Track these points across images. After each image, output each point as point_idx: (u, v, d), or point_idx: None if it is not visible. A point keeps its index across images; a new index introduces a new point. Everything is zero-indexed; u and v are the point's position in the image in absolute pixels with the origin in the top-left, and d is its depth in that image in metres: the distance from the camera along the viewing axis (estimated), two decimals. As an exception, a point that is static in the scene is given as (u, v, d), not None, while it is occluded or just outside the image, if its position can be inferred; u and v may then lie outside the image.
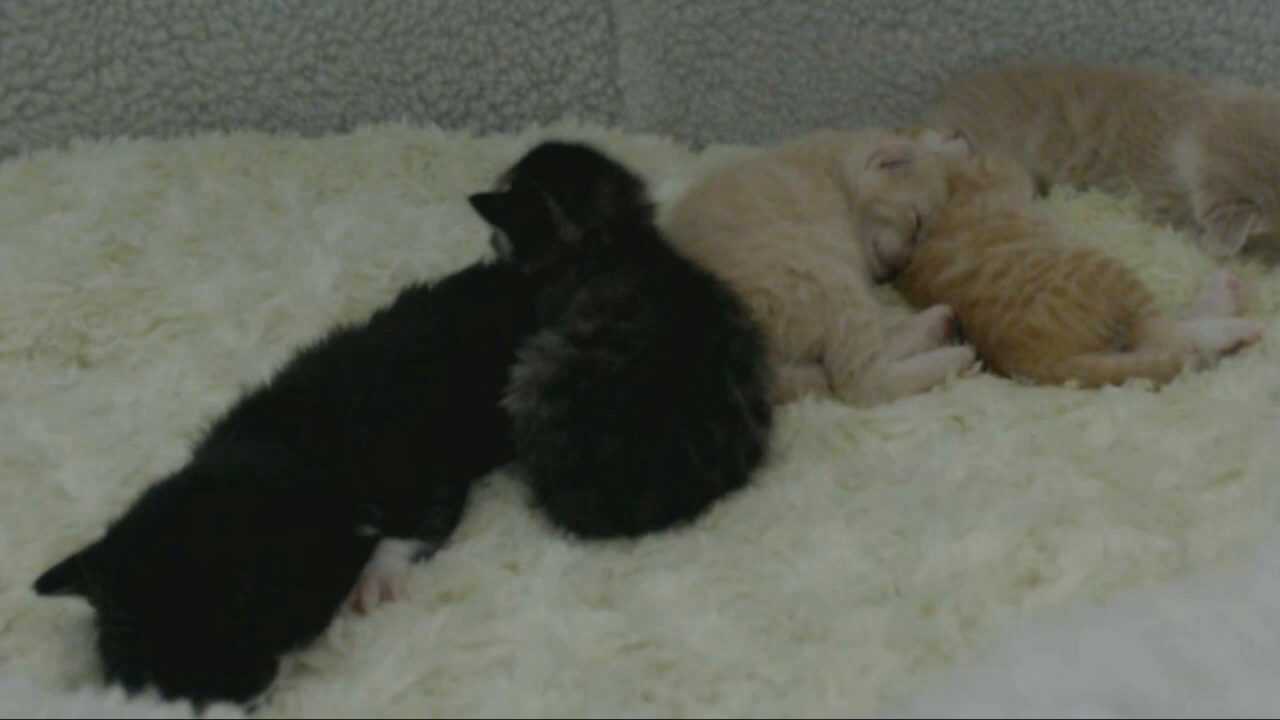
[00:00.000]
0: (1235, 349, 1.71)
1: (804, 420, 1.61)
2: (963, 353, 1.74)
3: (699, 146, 2.42)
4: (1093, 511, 1.38)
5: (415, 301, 1.66)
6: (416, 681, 1.21)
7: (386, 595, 1.33)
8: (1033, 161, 2.11)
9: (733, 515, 1.45)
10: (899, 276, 1.93)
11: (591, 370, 1.45)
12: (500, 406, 1.48)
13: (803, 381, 1.67)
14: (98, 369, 1.77)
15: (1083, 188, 2.11)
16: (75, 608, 1.26)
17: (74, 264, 1.87)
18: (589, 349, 1.47)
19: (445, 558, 1.40)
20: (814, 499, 1.46)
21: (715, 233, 1.75)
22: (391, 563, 1.35)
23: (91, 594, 1.21)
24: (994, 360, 1.74)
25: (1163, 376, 1.66)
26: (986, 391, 1.68)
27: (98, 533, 1.26)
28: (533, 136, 2.32)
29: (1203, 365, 1.68)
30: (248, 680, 1.18)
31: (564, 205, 1.62)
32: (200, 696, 1.05)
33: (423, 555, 1.39)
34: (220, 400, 1.48)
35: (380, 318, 1.63)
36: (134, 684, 1.08)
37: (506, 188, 1.68)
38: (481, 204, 1.65)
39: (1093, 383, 1.66)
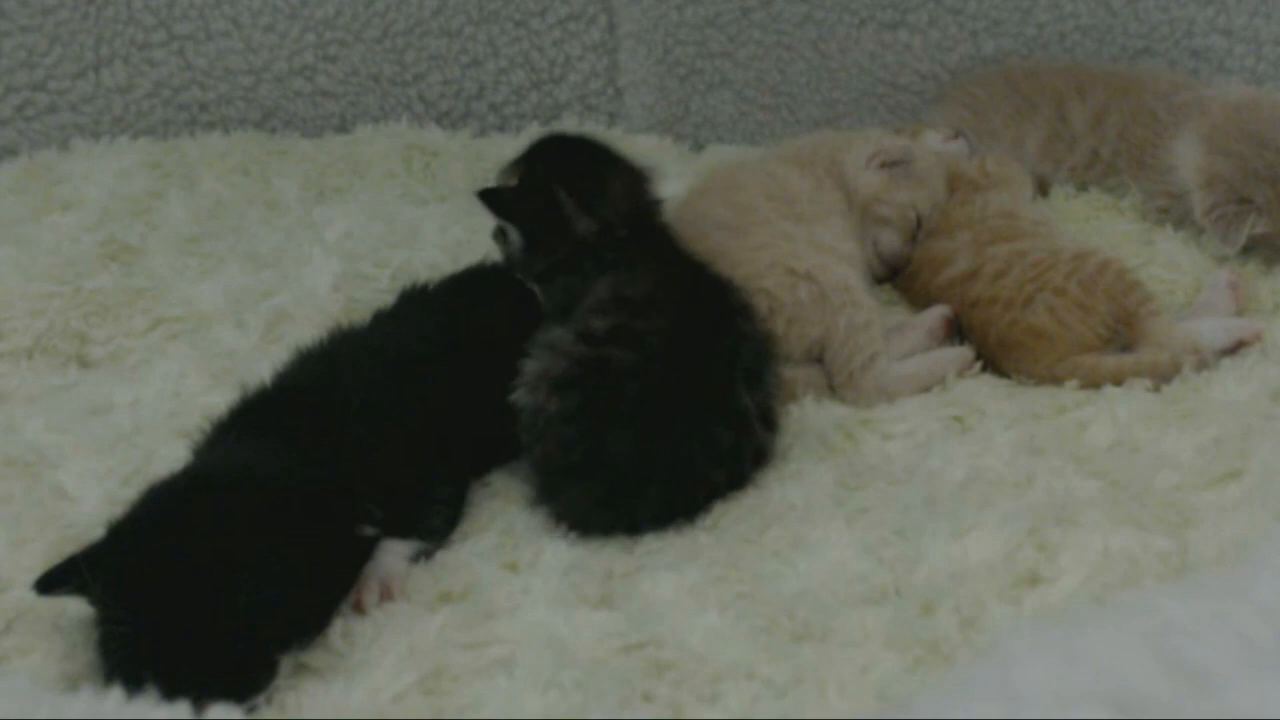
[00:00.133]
0: (1235, 349, 1.71)
1: (804, 420, 1.61)
2: (963, 353, 1.74)
3: (699, 146, 2.42)
4: (1093, 511, 1.38)
5: (415, 301, 1.66)
6: (416, 681, 1.21)
7: (386, 595, 1.32)
8: (1033, 161, 2.11)
9: (733, 515, 1.45)
10: (899, 276, 1.93)
11: (604, 367, 1.45)
12: (508, 401, 1.48)
13: (803, 381, 1.67)
14: (98, 369, 1.77)
15: (1083, 188, 2.11)
16: (75, 608, 1.26)
17: (74, 264, 1.87)
18: (602, 346, 1.47)
19: (445, 558, 1.40)
20: (814, 499, 1.46)
21: (715, 233, 1.75)
22: (391, 563, 1.35)
23: (91, 594, 1.21)
24: (994, 360, 1.74)
25: (1163, 376, 1.66)
26: (986, 391, 1.68)
27: (98, 533, 1.26)
28: (533, 136, 2.32)
29: (1203, 365, 1.68)
30: (248, 680, 1.17)
31: (576, 198, 1.61)
32: (200, 696, 1.05)
33: (423, 555, 1.39)
34: (220, 400, 1.48)
35: (380, 318, 1.63)
36: (134, 684, 1.08)
37: (513, 181, 1.66)
38: (491, 199, 1.64)
39: (1093, 383, 1.66)
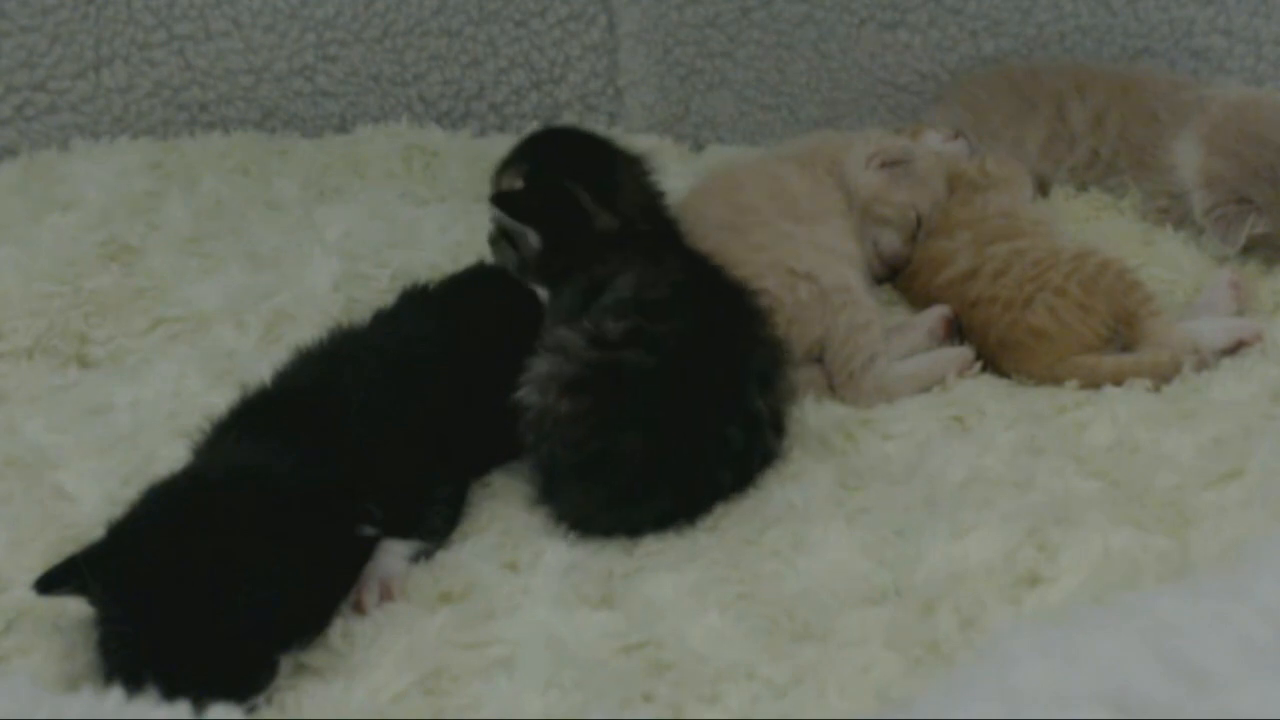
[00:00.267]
0: (1235, 349, 1.71)
1: (804, 420, 1.61)
2: (963, 353, 1.74)
3: (699, 146, 2.41)
4: (1093, 511, 1.38)
5: (415, 301, 1.66)
6: (416, 681, 1.21)
7: (386, 595, 1.32)
8: (1033, 161, 2.11)
9: (733, 516, 1.45)
10: (899, 276, 1.93)
11: (618, 369, 1.45)
12: (508, 401, 1.47)
13: (803, 381, 1.67)
14: (98, 369, 1.76)
15: (1083, 188, 2.11)
16: (75, 608, 1.26)
17: (74, 264, 1.86)
18: (617, 349, 1.46)
19: (445, 558, 1.40)
20: (814, 499, 1.46)
21: (715, 233, 1.75)
22: (391, 563, 1.35)
23: (91, 594, 1.21)
24: (994, 360, 1.74)
25: (1163, 376, 1.66)
26: (986, 391, 1.68)
27: (98, 533, 1.26)
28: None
29: (1203, 365, 1.68)
30: (248, 680, 1.18)
31: (593, 193, 1.59)
32: (200, 696, 1.04)
33: (423, 555, 1.39)
34: (220, 400, 1.48)
35: (380, 318, 1.63)
36: (134, 684, 1.08)
37: (518, 183, 1.63)
38: (508, 204, 1.61)
39: (1093, 383, 1.66)
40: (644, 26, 2.37)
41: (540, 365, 1.48)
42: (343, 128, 2.38)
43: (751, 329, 1.54)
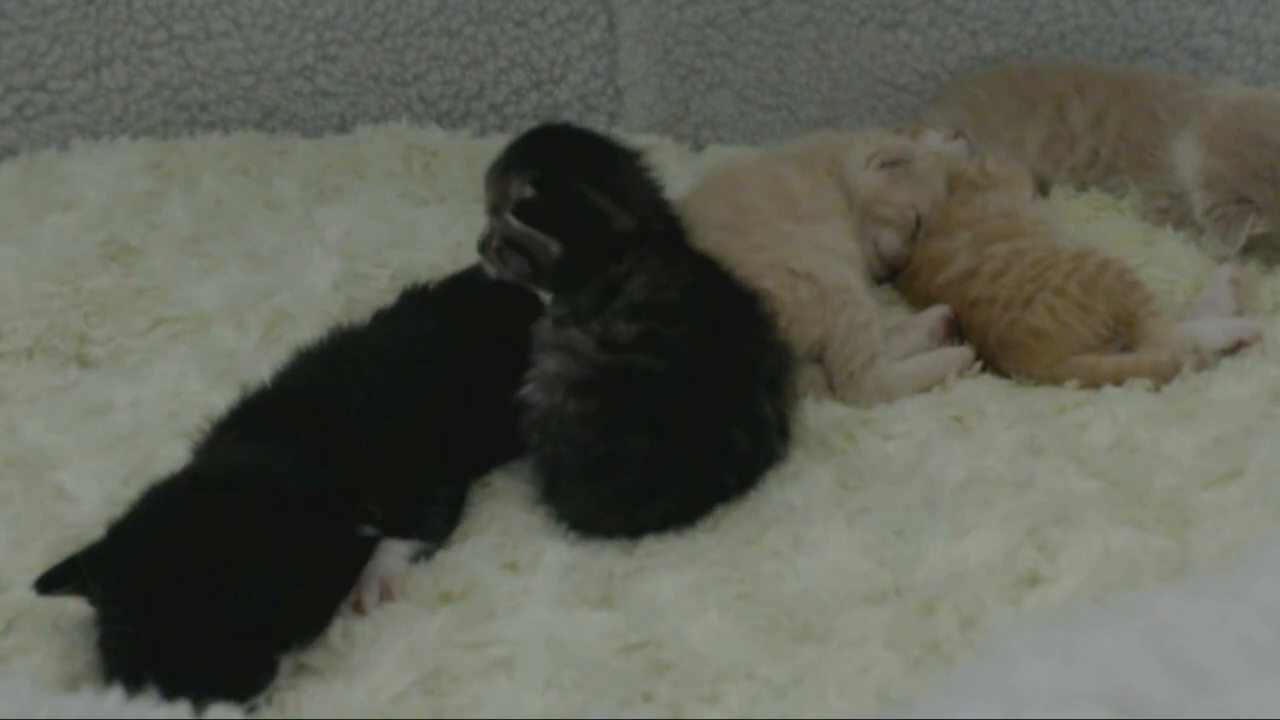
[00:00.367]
0: (1235, 349, 1.71)
1: (804, 420, 1.61)
2: (963, 353, 1.74)
3: (699, 146, 2.41)
4: (1093, 511, 1.38)
5: (415, 301, 1.66)
6: (416, 681, 1.21)
7: (386, 595, 1.32)
8: (1033, 161, 2.11)
9: (733, 516, 1.45)
10: (899, 276, 1.93)
11: (627, 372, 1.44)
12: (509, 401, 1.46)
13: (803, 381, 1.67)
14: (98, 369, 1.76)
15: (1083, 188, 2.11)
16: (75, 608, 1.26)
17: (74, 264, 1.86)
18: (627, 353, 1.45)
19: (445, 558, 1.40)
20: (814, 499, 1.46)
21: (715, 233, 1.74)
22: (391, 563, 1.35)
23: (91, 594, 1.21)
24: (994, 360, 1.74)
25: (1163, 376, 1.66)
26: (986, 391, 1.68)
27: (98, 533, 1.26)
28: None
29: (1203, 365, 1.68)
30: (248, 680, 1.18)
31: (609, 194, 1.57)
32: (200, 696, 1.04)
33: (423, 555, 1.39)
34: (220, 400, 1.48)
35: (380, 318, 1.62)
36: (134, 684, 1.08)
37: (529, 190, 1.57)
38: (529, 215, 1.55)
39: (1093, 383, 1.66)
40: (644, 26, 2.37)
41: (548, 364, 1.47)
42: (343, 128, 2.38)
43: (760, 333, 1.53)
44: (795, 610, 1.29)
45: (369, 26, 2.36)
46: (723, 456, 1.45)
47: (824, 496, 1.47)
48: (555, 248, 1.56)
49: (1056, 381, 1.68)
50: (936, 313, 1.79)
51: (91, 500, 1.47)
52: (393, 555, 1.36)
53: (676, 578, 1.34)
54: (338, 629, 1.27)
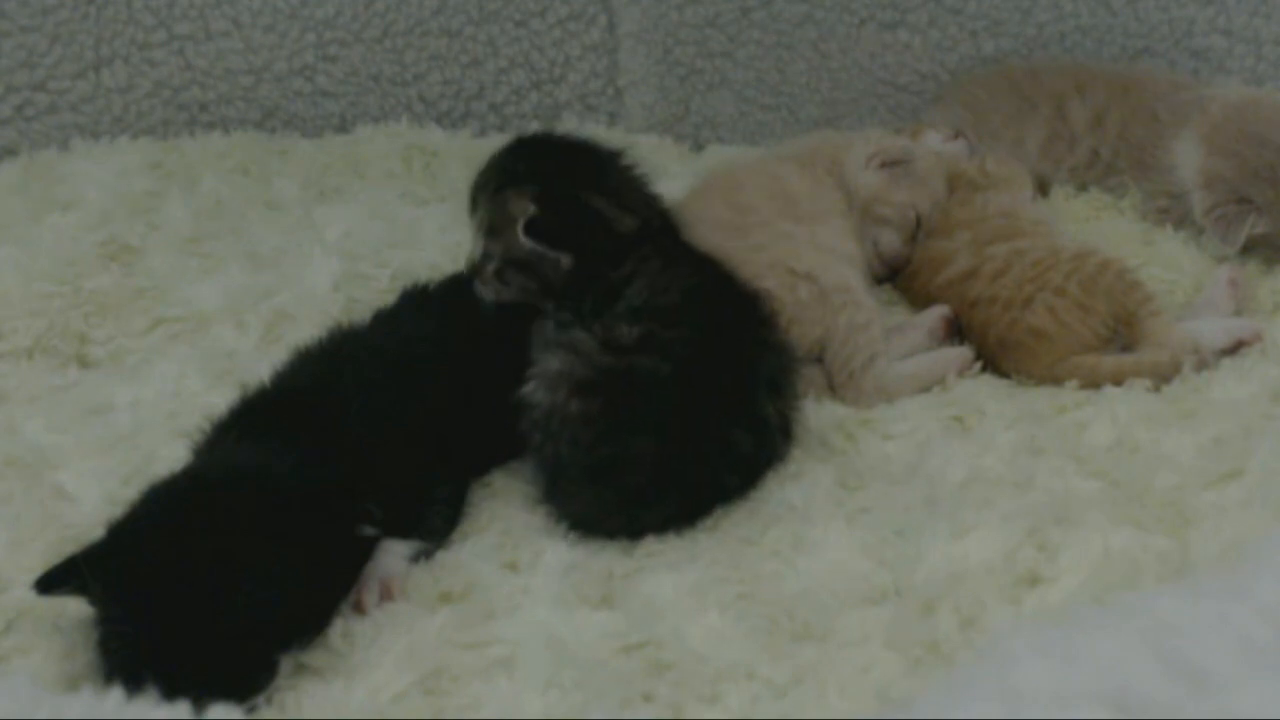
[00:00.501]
0: (1235, 349, 1.71)
1: (804, 420, 1.61)
2: (963, 353, 1.74)
3: (699, 146, 2.41)
4: (1093, 511, 1.38)
5: (415, 301, 1.66)
6: (416, 681, 1.21)
7: (386, 595, 1.32)
8: (1033, 161, 2.11)
9: (733, 516, 1.45)
10: (899, 276, 1.93)
11: (630, 374, 1.44)
12: (509, 401, 1.46)
13: (803, 381, 1.67)
14: (98, 369, 1.76)
15: (1083, 188, 2.11)
16: (75, 608, 1.26)
17: (74, 264, 1.86)
18: (629, 355, 1.45)
19: (445, 558, 1.40)
20: (814, 499, 1.46)
21: (715, 233, 1.74)
22: (391, 563, 1.35)
23: (91, 594, 1.21)
24: (994, 360, 1.74)
25: (1163, 376, 1.66)
26: (986, 391, 1.68)
27: (98, 533, 1.26)
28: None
29: (1203, 365, 1.68)
30: (248, 680, 1.18)
31: (609, 198, 1.55)
32: (200, 696, 1.05)
33: (423, 555, 1.39)
34: (220, 400, 1.48)
35: (380, 318, 1.62)
36: (134, 684, 1.08)
37: (531, 207, 1.53)
38: (541, 233, 1.51)
39: (1093, 383, 1.66)
40: (644, 26, 2.37)
41: (551, 362, 1.47)
42: (343, 128, 2.38)
43: (762, 334, 1.53)
44: (795, 610, 1.29)
45: (369, 26, 2.36)
46: (726, 458, 1.45)
47: (824, 496, 1.47)
48: (567, 261, 1.53)
49: (1056, 381, 1.68)
50: (936, 313, 1.79)
51: (91, 500, 1.47)
52: (393, 555, 1.36)
53: (676, 578, 1.34)
54: (338, 629, 1.27)
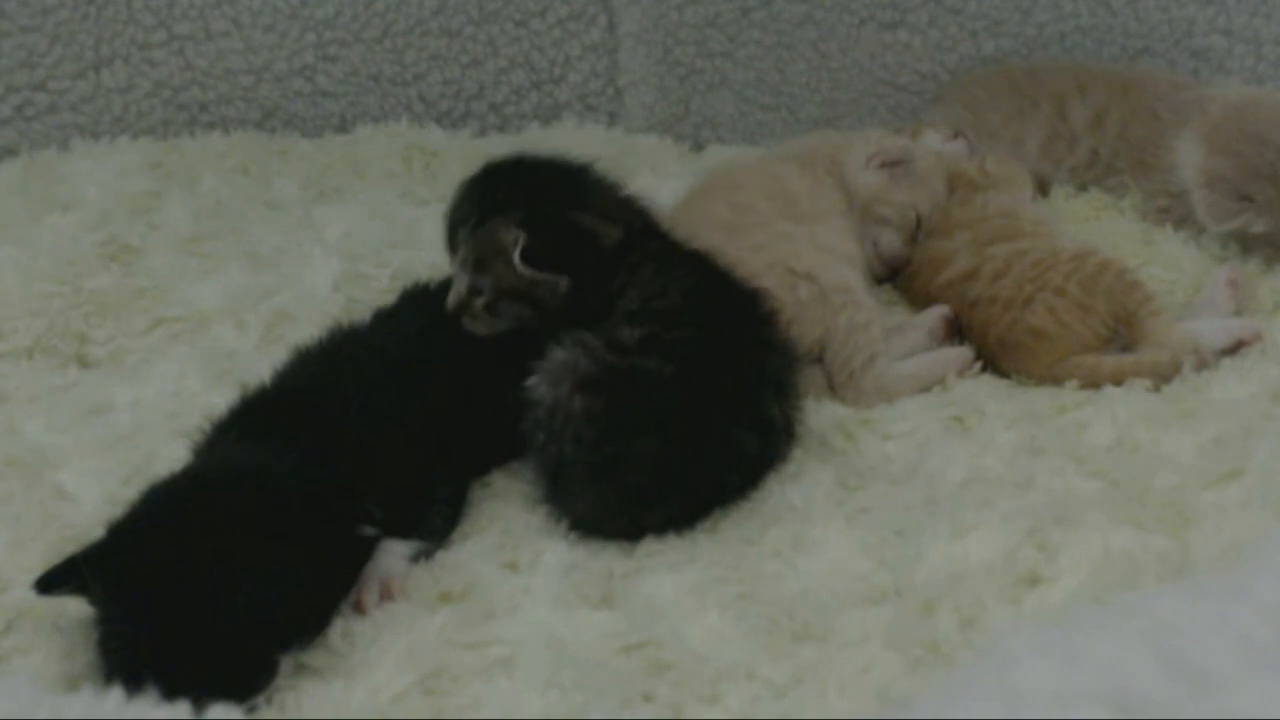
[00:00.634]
0: (1235, 349, 1.71)
1: (804, 420, 1.61)
2: (963, 353, 1.74)
3: (699, 146, 2.41)
4: (1093, 511, 1.38)
5: (415, 301, 1.66)
6: (416, 681, 1.21)
7: (386, 595, 1.32)
8: (1033, 161, 2.11)
9: (733, 516, 1.45)
10: (899, 276, 1.93)
11: (633, 374, 1.43)
12: (510, 400, 1.45)
13: (803, 381, 1.67)
14: (98, 369, 1.77)
15: (1083, 188, 2.11)
16: (75, 608, 1.26)
17: (74, 264, 1.87)
18: (632, 356, 1.44)
19: (445, 558, 1.40)
20: (814, 499, 1.46)
21: (715, 233, 1.74)
22: (391, 563, 1.35)
23: (91, 594, 1.21)
24: (994, 360, 1.74)
25: (1163, 376, 1.66)
26: (986, 391, 1.68)
27: (98, 533, 1.26)
28: (533, 137, 2.32)
29: (1203, 365, 1.68)
30: (248, 680, 1.18)
31: (592, 212, 1.54)
32: (200, 696, 1.05)
33: (423, 555, 1.39)
34: (220, 400, 1.48)
35: (380, 318, 1.62)
36: (134, 684, 1.08)
37: (520, 234, 1.49)
38: (538, 259, 1.48)
39: (1093, 383, 1.66)
40: (644, 26, 2.37)
41: (556, 353, 1.45)
42: (343, 128, 2.38)
43: (764, 333, 1.53)
44: (795, 610, 1.29)
45: (369, 26, 2.36)
46: (730, 459, 1.45)
47: (824, 496, 1.47)
48: (565, 283, 1.51)
49: (1056, 381, 1.68)
50: (936, 313, 1.79)
51: (91, 500, 1.47)
52: (393, 555, 1.36)
53: (676, 578, 1.34)
54: (338, 629, 1.27)
